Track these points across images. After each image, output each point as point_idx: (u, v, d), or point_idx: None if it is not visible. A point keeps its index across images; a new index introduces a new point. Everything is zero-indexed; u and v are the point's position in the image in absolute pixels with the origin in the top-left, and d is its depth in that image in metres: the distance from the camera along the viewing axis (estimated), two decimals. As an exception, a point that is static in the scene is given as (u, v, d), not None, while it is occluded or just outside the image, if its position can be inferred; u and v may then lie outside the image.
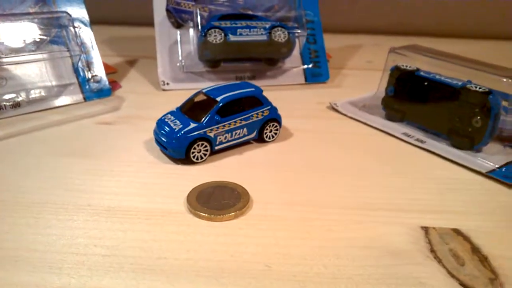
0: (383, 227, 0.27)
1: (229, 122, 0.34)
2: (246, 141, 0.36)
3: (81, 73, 0.46)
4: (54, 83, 0.44)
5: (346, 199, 0.30)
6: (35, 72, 0.43)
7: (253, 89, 0.36)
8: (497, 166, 0.33)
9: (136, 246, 0.25)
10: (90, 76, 0.46)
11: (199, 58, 0.50)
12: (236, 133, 0.35)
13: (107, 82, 0.47)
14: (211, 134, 0.33)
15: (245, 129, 0.35)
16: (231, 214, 0.27)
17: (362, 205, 0.29)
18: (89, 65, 0.46)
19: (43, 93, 0.43)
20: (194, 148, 0.33)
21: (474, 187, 0.32)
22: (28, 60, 0.42)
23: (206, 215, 0.27)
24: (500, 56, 0.58)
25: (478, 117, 0.34)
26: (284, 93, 0.50)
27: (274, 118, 0.37)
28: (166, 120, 0.35)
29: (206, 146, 0.33)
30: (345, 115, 0.44)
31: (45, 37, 0.43)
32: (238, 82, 0.38)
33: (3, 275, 0.22)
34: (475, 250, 0.25)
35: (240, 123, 0.35)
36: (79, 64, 0.46)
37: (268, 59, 0.52)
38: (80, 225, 0.26)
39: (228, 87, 0.36)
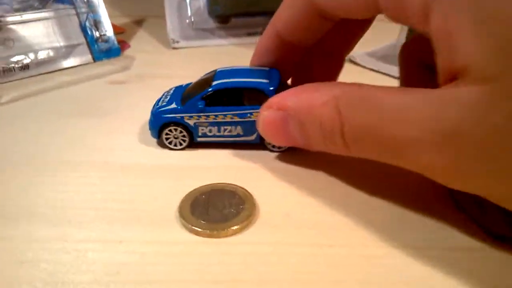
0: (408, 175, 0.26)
1: (215, 113, 0.28)
2: (243, 142, 0.29)
3: (89, 33, 0.45)
4: (62, 43, 0.43)
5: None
6: (42, 33, 0.42)
7: (265, 81, 0.28)
8: None
9: (155, 200, 0.25)
10: (98, 36, 0.45)
11: (209, 14, 0.48)
12: (226, 130, 0.29)
13: (116, 42, 0.46)
14: (190, 122, 0.28)
15: (239, 128, 0.28)
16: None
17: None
18: (96, 24, 0.45)
19: (51, 54, 0.43)
20: (170, 132, 0.29)
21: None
22: (34, 19, 0.41)
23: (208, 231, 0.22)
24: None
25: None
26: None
27: None
28: (166, 92, 0.32)
29: (183, 134, 0.29)
30: (364, 67, 0.42)
31: (50, -5, 0.42)
32: (268, 68, 0.29)
33: (23, 232, 0.22)
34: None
35: (232, 118, 0.28)
36: (87, 23, 0.45)
37: (280, 12, 0.50)
38: (97, 182, 0.26)
39: (245, 72, 0.29)
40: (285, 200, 0.24)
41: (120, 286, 0.19)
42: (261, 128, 0.26)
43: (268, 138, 0.27)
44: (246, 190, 0.25)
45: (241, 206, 0.23)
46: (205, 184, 0.25)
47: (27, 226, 0.23)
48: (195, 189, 0.25)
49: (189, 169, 0.27)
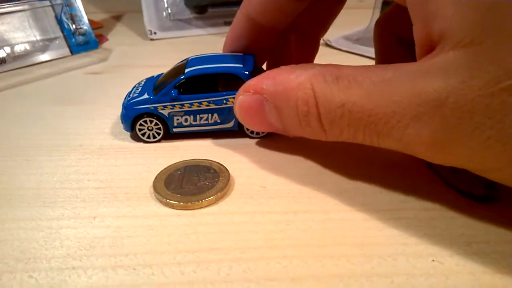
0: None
1: (190, 101, 0.27)
2: (221, 130, 0.28)
3: (66, 26, 0.44)
4: (38, 37, 0.43)
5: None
6: (17, 26, 0.42)
7: (239, 65, 0.27)
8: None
9: (131, 178, 0.25)
10: (75, 29, 0.45)
11: (186, 4, 0.48)
12: (202, 118, 0.28)
13: (93, 34, 0.46)
14: (164, 112, 0.27)
15: (215, 115, 0.28)
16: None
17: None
18: (73, 18, 0.45)
19: (28, 48, 0.42)
20: (143, 124, 0.28)
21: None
22: (8, 12, 0.41)
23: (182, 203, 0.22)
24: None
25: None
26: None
27: None
28: (137, 84, 0.31)
29: (158, 125, 0.28)
30: (339, 49, 0.43)
31: (23, -12, 0.42)
32: (241, 54, 0.29)
33: (-2, 212, 0.22)
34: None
35: (208, 106, 0.27)
36: (63, 17, 0.44)
37: (257, 1, 0.50)
38: (72, 163, 0.26)
39: (218, 59, 0.29)
40: (260, 174, 0.25)
41: (94, 259, 0.19)
42: (238, 113, 0.25)
43: (246, 124, 0.25)
44: (222, 165, 0.25)
45: (216, 179, 0.23)
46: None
47: (2, 208, 0.22)
48: (170, 165, 0.25)
49: (164, 149, 0.27)
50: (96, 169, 0.25)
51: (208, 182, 0.23)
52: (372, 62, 0.40)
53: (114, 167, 0.26)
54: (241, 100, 0.24)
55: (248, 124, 0.25)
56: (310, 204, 0.22)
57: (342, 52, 0.42)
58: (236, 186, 0.24)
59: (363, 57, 0.41)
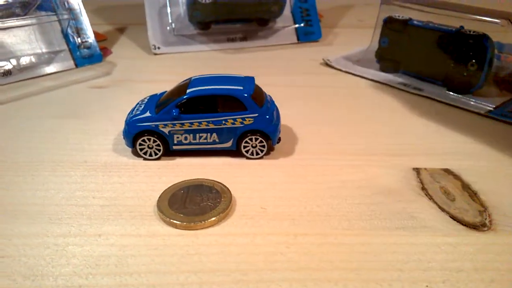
0: (376, 170, 0.27)
1: (191, 121, 0.28)
2: (219, 149, 0.29)
3: (71, 39, 0.45)
4: (44, 50, 0.44)
5: (340, 146, 0.30)
6: (24, 39, 0.43)
7: (239, 87, 0.28)
8: (494, 106, 0.34)
9: (135, 196, 0.25)
10: (80, 42, 0.46)
11: (189, 20, 0.49)
12: (201, 137, 0.28)
13: (97, 48, 0.46)
14: (165, 130, 0.28)
15: (214, 135, 0.28)
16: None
17: (356, 151, 0.30)
18: (78, 31, 0.46)
19: (33, 60, 0.43)
20: (144, 142, 0.28)
21: (469, 129, 0.32)
22: (16, 26, 0.42)
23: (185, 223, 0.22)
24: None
25: (474, 60, 0.35)
26: (277, 52, 0.50)
27: (259, 130, 0.28)
28: (140, 101, 0.31)
29: (156, 142, 0.28)
30: (339, 69, 0.44)
31: (32, 2, 0.43)
32: (244, 76, 0.30)
33: (3, 229, 0.23)
34: (465, 186, 0.26)
35: (207, 125, 0.28)
36: (69, 30, 0.45)
37: (259, 19, 0.51)
38: (77, 180, 0.27)
39: (220, 80, 0.30)
40: (261, 195, 0.25)
41: (99, 278, 0.20)
42: None
43: None
44: (224, 185, 0.25)
45: (218, 200, 0.24)
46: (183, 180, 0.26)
47: (8, 224, 0.23)
48: (173, 185, 0.25)
49: (168, 167, 0.28)
50: (100, 187, 0.26)
51: (211, 203, 0.24)
52: (370, 83, 0.41)
53: (118, 184, 0.26)
54: None
55: None
56: (309, 227, 0.23)
57: (341, 73, 0.43)
58: (237, 207, 0.24)
59: (363, 78, 0.42)
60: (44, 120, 0.34)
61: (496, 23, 0.36)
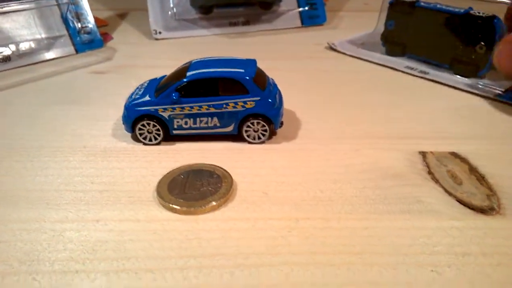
0: (381, 154, 0.27)
1: (191, 105, 0.27)
2: (220, 134, 0.29)
3: (71, 24, 0.45)
4: (43, 35, 0.43)
5: (344, 130, 0.30)
6: (23, 24, 0.42)
7: (240, 70, 0.28)
8: (502, 90, 0.33)
9: (134, 182, 0.25)
10: (80, 27, 0.45)
11: (191, 4, 0.48)
12: (202, 121, 0.28)
13: (98, 33, 0.46)
14: (165, 114, 0.28)
15: (215, 119, 0.28)
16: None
17: (361, 135, 0.29)
18: (78, 16, 0.45)
19: (33, 46, 0.43)
20: (143, 126, 0.28)
21: (477, 112, 0.31)
22: (14, 10, 0.41)
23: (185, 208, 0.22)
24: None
25: (482, 43, 0.34)
26: (280, 36, 0.49)
27: (261, 113, 0.28)
28: (140, 85, 0.31)
29: (157, 127, 0.28)
30: (344, 53, 0.43)
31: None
32: (245, 59, 0.30)
33: (2, 213, 0.22)
34: (472, 170, 0.25)
35: (208, 109, 0.27)
36: (69, 15, 0.44)
37: (262, 2, 0.50)
38: (76, 165, 0.26)
39: (220, 63, 0.29)
40: (262, 179, 0.25)
41: (97, 263, 0.19)
42: (495, 60, 0.32)
43: (501, 68, 0.32)
44: (225, 170, 0.25)
45: (218, 185, 0.23)
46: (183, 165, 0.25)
47: (5, 209, 0.23)
48: (173, 170, 0.25)
49: (168, 152, 0.28)
50: (99, 172, 0.26)
51: (211, 188, 0.23)
52: (375, 66, 0.40)
53: (117, 169, 0.26)
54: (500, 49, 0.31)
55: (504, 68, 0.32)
56: (312, 211, 0.22)
57: (346, 56, 0.42)
58: (238, 191, 0.24)
59: (367, 61, 0.41)
60: (43, 106, 0.34)
61: (506, 3, 0.35)
